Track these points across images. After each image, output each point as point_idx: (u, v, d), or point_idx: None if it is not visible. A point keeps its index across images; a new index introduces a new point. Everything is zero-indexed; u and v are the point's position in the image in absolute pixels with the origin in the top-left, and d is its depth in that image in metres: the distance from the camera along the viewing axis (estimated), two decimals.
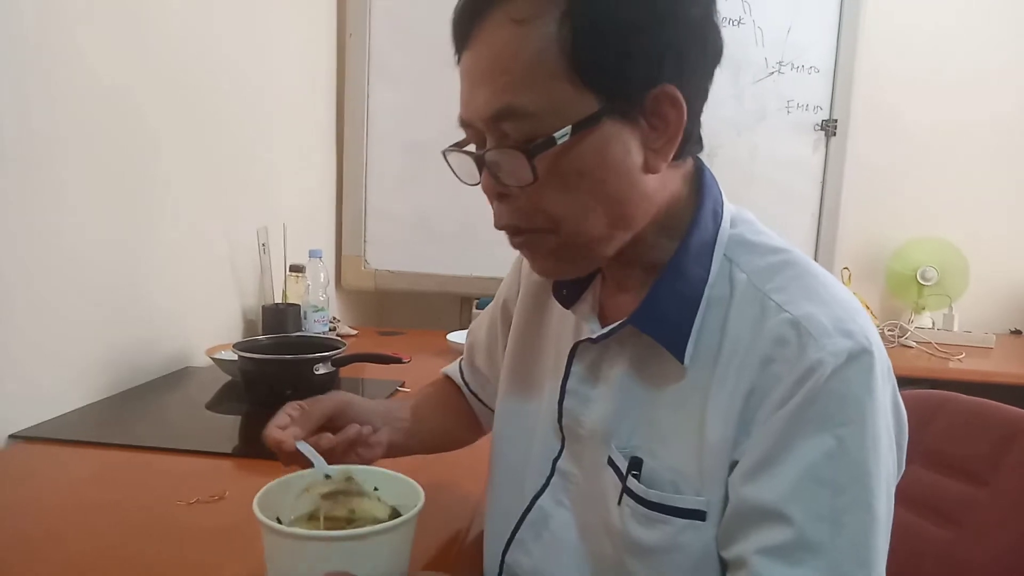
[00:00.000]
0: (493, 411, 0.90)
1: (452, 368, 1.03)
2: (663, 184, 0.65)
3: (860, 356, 0.57)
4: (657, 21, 0.58)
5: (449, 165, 0.67)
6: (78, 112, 1.21)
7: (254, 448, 1.08)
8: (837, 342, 0.57)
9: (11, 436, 1.08)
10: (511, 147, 0.60)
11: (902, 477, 0.64)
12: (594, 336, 0.70)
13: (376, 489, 0.68)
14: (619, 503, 0.67)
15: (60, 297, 1.20)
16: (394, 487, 0.67)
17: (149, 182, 1.41)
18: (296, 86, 2.10)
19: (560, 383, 0.75)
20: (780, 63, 2.38)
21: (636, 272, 0.69)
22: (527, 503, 0.76)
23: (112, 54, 1.29)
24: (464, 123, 0.64)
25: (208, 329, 1.65)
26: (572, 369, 0.74)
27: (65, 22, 1.18)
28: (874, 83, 2.52)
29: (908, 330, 2.46)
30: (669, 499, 0.63)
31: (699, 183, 0.69)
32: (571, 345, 0.74)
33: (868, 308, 2.65)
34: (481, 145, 0.63)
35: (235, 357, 1.35)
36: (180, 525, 0.83)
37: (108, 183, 1.29)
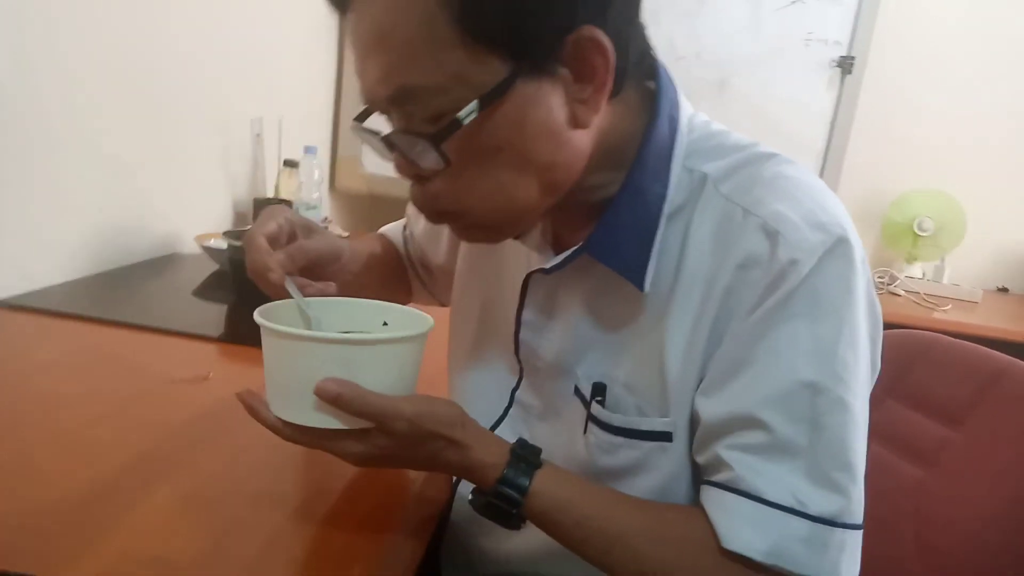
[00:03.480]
0: (423, 280, 0.88)
1: (394, 231, 0.96)
2: (597, 127, 0.58)
3: (835, 248, 0.54)
4: None
5: (361, 140, 0.59)
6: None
7: (240, 335, 1.08)
8: (809, 238, 0.54)
9: None
10: (415, 133, 0.53)
11: (880, 413, 0.62)
12: (547, 267, 0.64)
13: (385, 324, 0.66)
14: (584, 432, 0.65)
15: (49, 173, 1.17)
16: (404, 321, 0.65)
17: (145, 67, 1.36)
18: None
19: (515, 315, 0.71)
20: None
21: (584, 209, 0.63)
22: None
23: None
24: (365, 99, 0.56)
25: (198, 217, 1.63)
26: (526, 301, 0.70)
27: None
28: (896, 21, 2.45)
29: (898, 278, 2.47)
30: (634, 422, 0.62)
31: (651, 96, 0.61)
32: (524, 275, 0.69)
33: None
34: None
35: (224, 246, 1.33)
36: (164, 401, 0.83)
37: (105, 65, 1.25)
